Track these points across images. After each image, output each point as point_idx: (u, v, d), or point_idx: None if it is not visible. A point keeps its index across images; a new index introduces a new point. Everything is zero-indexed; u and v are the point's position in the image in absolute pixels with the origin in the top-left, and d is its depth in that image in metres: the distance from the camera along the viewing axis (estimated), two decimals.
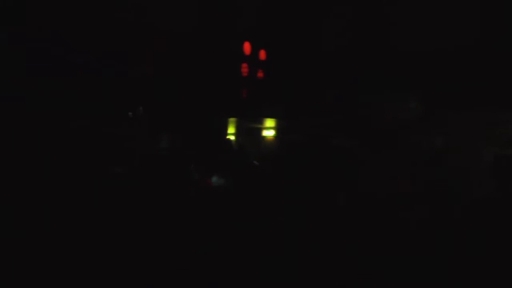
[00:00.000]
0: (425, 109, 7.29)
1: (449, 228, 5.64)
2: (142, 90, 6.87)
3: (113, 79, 6.40)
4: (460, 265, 4.80)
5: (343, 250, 5.21)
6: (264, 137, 9.69)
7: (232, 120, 8.75)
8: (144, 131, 7.15)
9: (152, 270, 4.53)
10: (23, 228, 4.66)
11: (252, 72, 7.82)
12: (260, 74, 7.88)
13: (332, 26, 8.10)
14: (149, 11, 7.01)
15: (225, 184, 6.58)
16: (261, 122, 9.15)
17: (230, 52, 7.76)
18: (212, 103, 7.77)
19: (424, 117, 7.28)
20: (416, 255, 5.03)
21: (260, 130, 9.63)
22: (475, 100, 6.75)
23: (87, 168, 5.64)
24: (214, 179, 6.61)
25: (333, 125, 7.92)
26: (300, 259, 4.93)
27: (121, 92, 6.54)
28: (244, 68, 7.77)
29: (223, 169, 6.78)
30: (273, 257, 4.96)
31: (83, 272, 4.31)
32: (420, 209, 6.08)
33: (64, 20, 5.98)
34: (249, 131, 9.47)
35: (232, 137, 9.40)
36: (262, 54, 7.87)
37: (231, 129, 9.41)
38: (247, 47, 7.73)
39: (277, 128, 9.51)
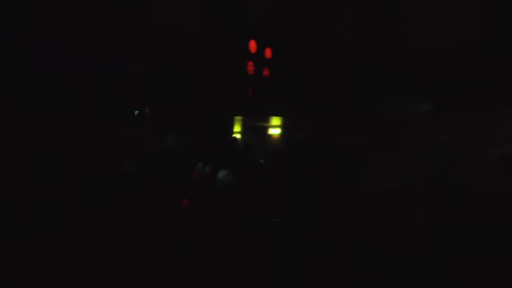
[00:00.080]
0: (433, 108, 7.20)
1: (458, 227, 5.53)
2: (144, 90, 6.90)
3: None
4: (470, 265, 4.74)
5: (351, 250, 5.16)
6: (270, 135, 9.64)
7: (238, 118, 8.74)
8: (150, 131, 7.17)
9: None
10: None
11: (258, 70, 7.78)
12: (266, 72, 7.84)
13: (338, 24, 8.03)
14: (153, 10, 7.04)
15: (231, 183, 6.56)
16: (267, 120, 9.10)
17: (236, 51, 7.73)
18: (217, 101, 7.76)
19: (431, 116, 7.18)
20: (428, 255, 4.96)
21: (266, 128, 9.57)
22: (483, 99, 6.68)
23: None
24: (220, 177, 6.59)
25: (340, 123, 7.84)
26: (306, 260, 4.89)
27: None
28: (250, 66, 7.74)
29: (229, 168, 6.76)
30: (277, 257, 4.94)
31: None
32: (429, 208, 5.99)
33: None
34: (255, 130, 9.43)
35: (238, 136, 9.37)
36: (268, 52, 7.82)
37: (237, 128, 9.38)
38: (252, 45, 7.69)
39: (283, 126, 9.44)
